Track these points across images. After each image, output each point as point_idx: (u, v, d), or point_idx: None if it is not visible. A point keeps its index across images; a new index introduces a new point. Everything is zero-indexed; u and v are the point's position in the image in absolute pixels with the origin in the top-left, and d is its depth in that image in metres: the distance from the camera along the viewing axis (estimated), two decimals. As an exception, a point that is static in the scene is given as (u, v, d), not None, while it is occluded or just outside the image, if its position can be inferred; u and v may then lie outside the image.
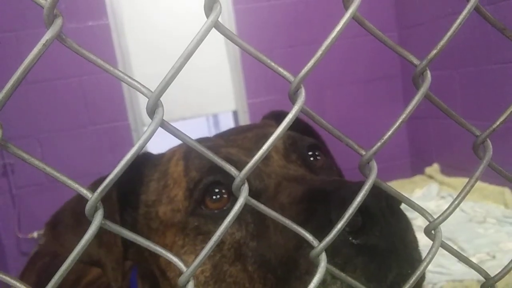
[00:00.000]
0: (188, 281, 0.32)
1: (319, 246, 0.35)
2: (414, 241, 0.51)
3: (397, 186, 3.31)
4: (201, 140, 0.71)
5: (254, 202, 0.34)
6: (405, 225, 0.50)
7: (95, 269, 1.18)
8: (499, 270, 0.47)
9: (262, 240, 0.55)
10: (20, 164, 3.22)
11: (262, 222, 0.56)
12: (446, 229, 2.38)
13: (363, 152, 0.37)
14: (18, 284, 0.31)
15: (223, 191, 0.61)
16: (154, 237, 0.67)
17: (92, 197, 0.29)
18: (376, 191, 0.45)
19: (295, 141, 0.70)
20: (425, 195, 3.10)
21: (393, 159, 3.91)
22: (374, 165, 0.36)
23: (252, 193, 0.37)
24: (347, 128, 3.50)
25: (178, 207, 0.64)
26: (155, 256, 0.68)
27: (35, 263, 1.51)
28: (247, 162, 0.33)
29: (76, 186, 0.30)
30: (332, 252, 0.46)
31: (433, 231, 0.40)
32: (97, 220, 0.29)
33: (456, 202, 0.38)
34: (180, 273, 0.63)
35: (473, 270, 0.47)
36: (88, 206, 0.29)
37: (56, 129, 3.32)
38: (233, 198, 0.61)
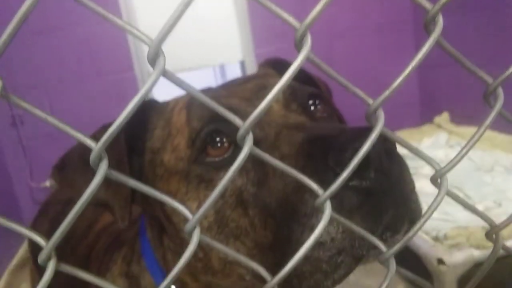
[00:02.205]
0: (194, 227, 0.33)
1: (324, 194, 0.35)
2: (411, 183, 0.52)
3: (406, 135, 3.30)
4: (203, 91, 0.71)
5: (258, 151, 0.33)
6: (401, 168, 0.50)
7: (106, 217, 1.21)
8: (505, 218, 0.47)
9: (262, 187, 0.57)
10: (28, 114, 3.23)
11: (262, 169, 0.58)
12: (453, 178, 2.40)
13: (370, 101, 0.36)
14: (31, 234, 0.32)
15: (224, 139, 0.62)
16: (159, 183, 0.68)
17: (96, 147, 0.29)
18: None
19: (295, 90, 0.70)
20: (433, 144, 3.10)
21: (403, 108, 3.88)
22: (381, 114, 0.35)
23: (253, 142, 0.37)
24: (357, 78, 3.45)
25: (181, 155, 0.65)
26: (161, 202, 0.69)
27: (47, 211, 1.55)
28: (248, 112, 0.33)
29: (79, 136, 0.30)
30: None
31: (439, 180, 0.40)
32: (102, 169, 0.29)
33: (463, 151, 0.38)
34: (185, 218, 0.64)
35: (478, 218, 0.48)
36: (92, 157, 0.29)
37: (63, 79, 3.32)
38: (234, 146, 0.62)
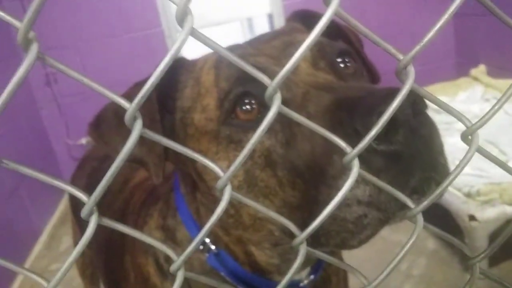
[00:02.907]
0: (225, 185, 0.34)
1: (352, 152, 0.36)
2: (439, 145, 0.51)
3: (440, 89, 3.20)
4: (230, 48, 0.70)
5: (286, 110, 0.34)
6: (431, 130, 0.49)
7: (141, 173, 1.25)
8: None
9: (290, 148, 0.57)
10: (62, 73, 3.31)
11: (290, 131, 0.57)
12: (487, 132, 2.34)
13: (401, 57, 0.35)
14: (74, 190, 0.34)
15: (253, 101, 0.62)
16: (190, 142, 0.69)
17: (130, 108, 0.30)
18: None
19: (324, 47, 0.67)
20: (469, 98, 3.00)
21: (438, 61, 3.75)
22: (411, 70, 0.35)
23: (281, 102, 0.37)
24: (389, 31, 3.34)
25: (210, 116, 0.65)
26: (192, 160, 0.71)
27: (84, 168, 1.61)
28: (276, 71, 0.33)
29: (114, 96, 0.31)
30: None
31: (470, 136, 0.39)
32: (137, 129, 0.30)
33: (497, 106, 0.37)
34: (216, 177, 0.66)
35: (512, 173, 0.47)
36: (127, 117, 0.30)
37: (93, 39, 3.36)
38: (263, 109, 0.61)
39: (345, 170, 0.48)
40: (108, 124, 0.72)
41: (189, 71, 0.72)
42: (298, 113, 0.55)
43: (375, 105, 0.44)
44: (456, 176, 0.38)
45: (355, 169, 0.35)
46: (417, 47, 0.34)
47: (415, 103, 0.45)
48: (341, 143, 0.36)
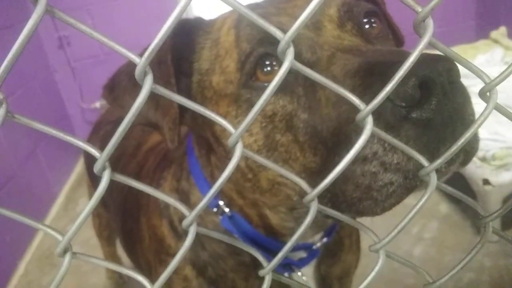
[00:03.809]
0: (237, 142, 0.34)
1: (365, 108, 0.35)
2: (471, 115, 0.49)
3: (459, 51, 3.11)
4: (251, 7, 0.67)
5: (299, 65, 0.33)
6: (464, 99, 0.48)
7: (154, 137, 1.26)
8: None
9: (313, 113, 0.56)
10: (74, 36, 3.30)
11: (314, 95, 0.56)
12: (506, 96, 2.28)
13: (419, 9, 0.34)
14: (86, 145, 0.34)
15: (274, 63, 0.60)
16: (208, 105, 0.68)
17: (140, 61, 0.29)
18: (435, 63, 0.43)
19: (351, 8, 0.65)
20: (488, 61, 2.92)
21: (457, 22, 3.64)
22: (430, 23, 0.33)
23: (305, 66, 0.36)
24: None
25: (230, 78, 0.64)
26: (209, 123, 0.70)
27: (98, 132, 1.62)
28: (299, 32, 0.31)
29: (124, 51, 0.30)
30: (385, 126, 0.46)
31: (488, 93, 0.38)
32: (148, 84, 0.30)
33: (517, 63, 0.36)
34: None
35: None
36: (137, 71, 0.30)
37: (104, 0, 3.32)
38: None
39: (372, 139, 0.47)
40: (121, 86, 0.71)
41: (207, 31, 0.70)
42: (324, 76, 0.53)
43: (408, 71, 0.43)
44: (473, 133, 0.37)
45: (369, 126, 0.35)
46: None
47: (450, 70, 0.44)
48: (355, 100, 0.35)
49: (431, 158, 0.45)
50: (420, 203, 0.38)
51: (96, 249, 2.11)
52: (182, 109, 0.68)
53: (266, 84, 0.60)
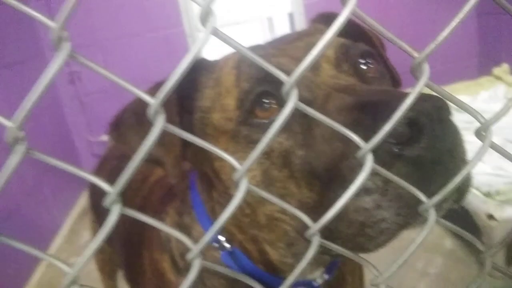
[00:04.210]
0: (242, 177, 0.36)
1: (366, 146, 0.37)
2: (462, 152, 0.50)
3: (462, 88, 3.16)
4: (252, 48, 0.70)
5: (303, 106, 0.35)
6: (454, 137, 0.49)
7: (159, 170, 1.27)
8: None
9: (309, 150, 0.58)
10: (85, 72, 3.38)
11: (310, 132, 0.58)
12: (508, 132, 2.29)
13: (416, 55, 0.36)
14: (97, 180, 0.36)
15: (272, 101, 0.62)
16: (208, 142, 0.69)
17: (154, 102, 0.31)
18: (426, 102, 0.44)
19: (348, 49, 0.67)
20: (491, 97, 2.96)
21: (461, 60, 3.70)
22: (426, 67, 0.36)
23: (302, 104, 0.38)
24: (411, 29, 3.30)
25: (230, 116, 0.66)
26: (209, 159, 0.72)
27: (105, 166, 1.64)
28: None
29: (138, 92, 0.32)
30: (378, 163, 0.46)
31: (483, 133, 0.40)
32: (160, 123, 0.32)
33: (510, 103, 0.38)
34: (232, 176, 0.66)
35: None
36: (151, 111, 0.32)
37: (116, 37, 3.41)
38: (282, 108, 0.63)
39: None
40: (127, 124, 0.73)
41: (210, 71, 0.73)
42: (319, 113, 0.55)
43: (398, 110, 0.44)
44: (469, 170, 0.39)
45: (369, 163, 0.36)
46: (432, 45, 0.34)
47: (440, 108, 0.45)
48: (355, 138, 0.37)
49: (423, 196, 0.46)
50: (420, 238, 0.39)
51: (97, 282, 2.09)
52: (184, 145, 0.70)
53: (265, 121, 0.62)
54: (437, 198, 0.41)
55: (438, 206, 0.48)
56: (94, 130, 3.60)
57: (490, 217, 1.92)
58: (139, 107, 0.73)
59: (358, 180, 0.36)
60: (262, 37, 3.65)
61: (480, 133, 0.39)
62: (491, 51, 3.55)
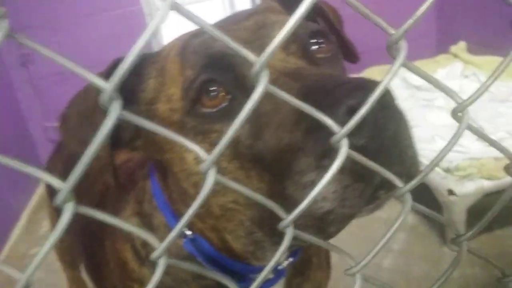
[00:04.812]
0: (209, 168, 0.33)
1: (341, 131, 0.34)
2: (408, 138, 0.50)
3: (420, 66, 3.13)
4: (197, 33, 0.66)
5: (272, 88, 0.32)
6: (399, 123, 0.48)
7: (122, 155, 1.23)
8: None
9: (258, 140, 0.56)
10: (38, 54, 3.22)
11: (258, 121, 0.56)
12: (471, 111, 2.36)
13: (392, 31, 0.34)
14: (47, 177, 0.32)
15: (219, 89, 0.59)
16: (155, 134, 0.67)
17: (108, 87, 0.28)
18: (367, 87, 0.42)
19: (296, 29, 0.64)
20: (448, 75, 3.03)
21: (418, 38, 3.75)
22: (403, 45, 0.33)
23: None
24: (384, 5, 3.32)
25: (175, 106, 0.63)
26: (161, 151, 0.69)
27: (61, 152, 1.57)
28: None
29: (89, 76, 0.29)
30: (320, 154, 0.46)
31: (460, 113, 0.38)
32: (116, 110, 0.28)
33: (488, 83, 0.36)
34: (183, 168, 0.64)
35: (490, 149, 0.47)
36: (105, 97, 0.28)
37: (71, 17, 3.27)
38: (230, 96, 0.59)
39: (311, 166, 0.47)
40: (76, 117, 0.70)
41: (153, 61, 0.69)
42: (268, 102, 0.52)
43: (342, 98, 0.43)
44: (446, 154, 0.37)
45: (344, 148, 0.34)
46: (410, 21, 0.32)
47: (383, 96, 0.43)
48: (329, 121, 0.35)
49: (368, 185, 0.46)
50: (396, 224, 0.38)
51: (59, 273, 2.03)
52: (134, 136, 0.69)
53: (212, 110, 0.59)
54: (412, 183, 0.39)
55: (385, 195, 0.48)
56: (49, 114, 3.45)
57: (450, 192, 1.98)
58: (89, 94, 0.69)
59: (333, 166, 0.34)
60: (224, 16, 3.57)
61: (457, 114, 0.38)
62: (449, 29, 3.63)
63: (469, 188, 1.96)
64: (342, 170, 0.44)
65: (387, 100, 0.45)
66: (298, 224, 0.50)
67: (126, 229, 0.34)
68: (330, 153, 0.45)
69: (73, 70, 0.27)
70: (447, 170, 2.05)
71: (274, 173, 0.53)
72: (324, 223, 0.50)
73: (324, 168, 0.45)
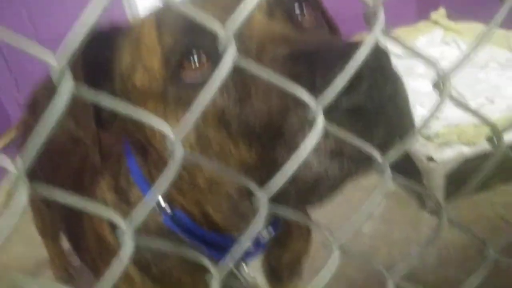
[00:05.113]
0: (176, 145, 0.31)
1: (317, 104, 0.32)
2: (405, 100, 0.49)
3: (400, 34, 3.20)
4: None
5: (243, 61, 0.30)
6: (396, 85, 0.47)
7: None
8: (498, 115, 0.45)
9: (245, 106, 0.53)
10: (7, 23, 3.09)
11: (244, 88, 0.53)
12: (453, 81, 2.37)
13: (370, 2, 0.32)
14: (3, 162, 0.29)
15: (202, 55, 0.56)
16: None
17: (57, 63, 0.25)
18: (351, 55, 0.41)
19: None
20: (429, 42, 3.01)
21: (398, 5, 3.72)
22: (381, 14, 0.31)
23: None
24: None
25: (155, 76, 0.60)
26: (140, 127, 0.67)
27: (36, 111, 1.52)
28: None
29: (38, 49, 0.26)
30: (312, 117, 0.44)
31: (441, 83, 0.37)
32: (68, 87, 0.26)
33: (469, 52, 0.35)
34: (164, 142, 0.62)
35: (469, 115, 0.46)
36: (55, 74, 0.26)
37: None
38: (212, 62, 0.56)
39: (302, 128, 0.46)
40: (42, 106, 0.66)
41: (126, 34, 0.66)
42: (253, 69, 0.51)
43: (337, 60, 0.41)
44: (426, 124, 0.36)
45: (320, 123, 0.32)
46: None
47: (380, 56, 0.43)
48: (305, 95, 0.33)
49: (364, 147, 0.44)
50: (376, 198, 0.37)
51: (40, 247, 2.02)
52: (110, 119, 0.66)
53: (194, 77, 0.57)
54: (391, 155, 0.38)
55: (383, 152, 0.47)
56: (22, 87, 3.35)
57: (430, 159, 2.00)
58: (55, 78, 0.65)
59: (308, 142, 0.32)
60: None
61: (439, 85, 0.36)
62: (429, -5, 3.59)
63: (448, 155, 1.98)
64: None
65: (384, 61, 0.44)
66: (289, 190, 0.50)
67: (96, 212, 0.32)
68: (326, 115, 0.44)
69: (16, 44, 0.24)
70: (427, 138, 2.06)
71: (264, 140, 0.51)
72: (318, 186, 0.49)
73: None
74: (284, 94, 0.45)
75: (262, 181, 0.41)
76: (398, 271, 0.46)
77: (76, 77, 0.60)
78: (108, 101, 0.28)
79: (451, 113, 2.09)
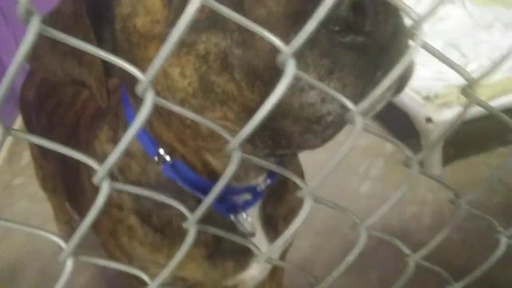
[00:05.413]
0: (145, 89, 0.31)
1: (287, 50, 0.33)
2: (406, 37, 0.48)
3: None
4: None
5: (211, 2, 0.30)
6: (398, 21, 0.46)
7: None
8: (499, 76, 0.45)
9: (248, 47, 0.52)
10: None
11: (248, 29, 0.53)
12: (449, 36, 2.32)
13: None
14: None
15: None
16: (136, 51, 0.63)
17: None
18: None
19: None
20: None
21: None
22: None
23: None
24: None
25: (157, 17, 0.58)
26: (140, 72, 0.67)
27: (33, 79, 1.53)
28: None
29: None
30: (319, 53, 0.44)
31: (415, 31, 0.37)
32: (33, 26, 0.26)
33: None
34: (166, 85, 0.62)
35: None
36: (21, 12, 0.26)
37: None
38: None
39: (307, 68, 0.46)
40: (43, 50, 0.66)
41: None
42: (257, 8, 0.49)
43: None
44: (397, 73, 0.36)
45: (291, 70, 0.33)
46: None
47: None
48: (276, 41, 0.33)
49: (367, 84, 0.45)
50: (346, 149, 0.37)
51: (45, 202, 2.06)
52: (110, 63, 0.64)
53: (200, 18, 0.54)
54: (363, 105, 0.38)
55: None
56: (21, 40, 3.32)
57: (428, 120, 1.99)
58: (56, 22, 0.65)
59: (278, 90, 0.33)
60: None
61: (412, 32, 0.36)
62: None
63: (447, 116, 1.97)
64: (343, 68, 0.44)
65: (390, 2, 0.43)
66: (293, 131, 0.51)
67: (88, 163, 0.33)
68: (329, 52, 0.44)
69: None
70: (427, 99, 2.05)
71: (267, 82, 0.51)
72: (321, 126, 0.49)
73: (323, 67, 0.45)
74: (291, 31, 0.45)
75: (265, 125, 0.41)
76: (370, 220, 0.48)
77: (82, 26, 0.59)
78: (93, 50, 0.29)
79: (452, 74, 2.06)
